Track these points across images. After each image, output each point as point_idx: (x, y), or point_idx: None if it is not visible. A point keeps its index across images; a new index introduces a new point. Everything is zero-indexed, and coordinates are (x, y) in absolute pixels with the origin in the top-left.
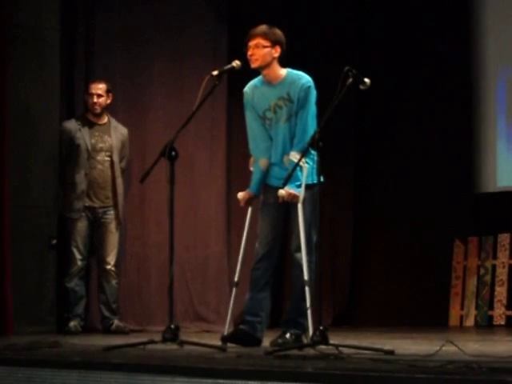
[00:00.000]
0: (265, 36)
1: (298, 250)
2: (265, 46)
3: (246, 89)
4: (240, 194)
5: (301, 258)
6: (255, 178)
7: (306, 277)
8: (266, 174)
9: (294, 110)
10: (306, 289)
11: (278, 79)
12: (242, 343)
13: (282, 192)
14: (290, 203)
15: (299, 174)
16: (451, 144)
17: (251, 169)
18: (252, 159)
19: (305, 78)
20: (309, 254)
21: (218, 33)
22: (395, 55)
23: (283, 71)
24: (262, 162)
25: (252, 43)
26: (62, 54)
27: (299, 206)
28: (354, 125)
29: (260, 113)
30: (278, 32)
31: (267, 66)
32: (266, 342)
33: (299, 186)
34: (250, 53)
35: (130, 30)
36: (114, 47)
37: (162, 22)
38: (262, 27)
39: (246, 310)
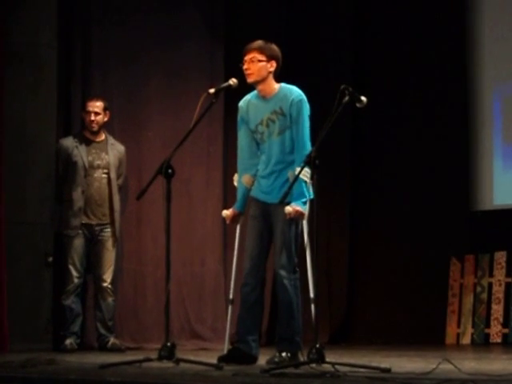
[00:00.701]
0: (260, 50)
1: (282, 267)
2: (260, 61)
3: (241, 103)
4: (224, 213)
5: (284, 277)
6: (239, 196)
7: (312, 294)
8: (249, 190)
9: (288, 124)
10: (312, 306)
11: (271, 94)
12: (238, 362)
13: (288, 209)
14: (273, 220)
15: (304, 190)
16: (447, 162)
17: (235, 184)
18: (236, 176)
19: (297, 92)
20: (292, 271)
21: (215, 49)
22: (390, 72)
23: (277, 86)
24: (246, 179)
25: (248, 57)
26: (59, 71)
27: (305, 222)
28: (349, 142)
29: (252, 127)
30: (274, 47)
31: (262, 80)
32: (262, 361)
33: (305, 203)
34: (245, 67)
35: (126, 46)
36: (110, 64)
37: (159, 38)
38: (258, 42)
39: (239, 328)
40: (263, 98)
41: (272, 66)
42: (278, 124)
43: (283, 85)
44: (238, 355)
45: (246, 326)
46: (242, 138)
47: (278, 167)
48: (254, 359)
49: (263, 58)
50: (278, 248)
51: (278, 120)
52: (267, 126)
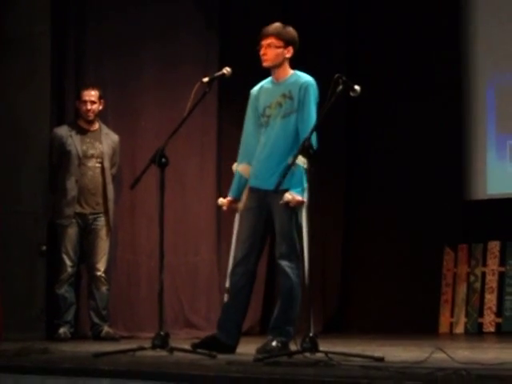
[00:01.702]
0: (278, 36)
1: (282, 256)
2: (277, 47)
3: (253, 90)
4: (220, 200)
5: (286, 265)
6: (235, 183)
7: (306, 282)
8: (246, 179)
9: (294, 108)
10: (307, 294)
11: (284, 78)
12: (212, 350)
13: (288, 196)
14: (273, 208)
15: (303, 178)
16: (441, 151)
17: (234, 172)
18: (235, 164)
19: (308, 78)
20: (294, 260)
21: (209, 40)
22: (384, 63)
23: (291, 71)
24: (243, 167)
25: (265, 42)
26: (53, 60)
27: (303, 210)
28: (344, 133)
29: (261, 110)
30: (292, 31)
31: (278, 66)
32: (252, 349)
33: (303, 191)
34: (262, 52)
35: (120, 37)
36: (104, 54)
37: (153, 29)
38: (276, 26)
39: (221, 315)
40: (275, 81)
41: (289, 51)
42: (284, 107)
43: (297, 71)
44: (212, 343)
45: (228, 313)
46: (249, 125)
47: (277, 151)
48: (230, 348)
49: (280, 44)
50: (278, 237)
51: (284, 103)
52: (274, 108)
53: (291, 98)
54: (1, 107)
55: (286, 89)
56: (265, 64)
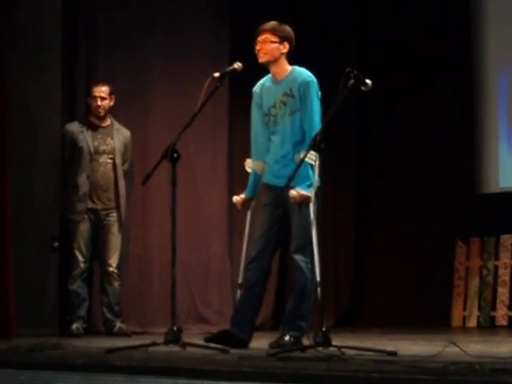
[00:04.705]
0: (273, 31)
1: (296, 251)
2: (273, 42)
3: (255, 88)
4: (235, 198)
5: (300, 260)
6: (250, 182)
7: (318, 278)
8: (260, 176)
9: (298, 106)
10: (318, 289)
11: (283, 76)
12: (225, 345)
13: (293, 193)
14: (288, 204)
15: (310, 173)
16: (453, 145)
17: (248, 170)
18: (248, 161)
19: (305, 74)
20: (308, 255)
21: (219, 34)
22: (395, 55)
23: (289, 68)
24: (256, 165)
25: (260, 38)
26: (63, 53)
27: (310, 205)
28: (355, 126)
29: (265, 110)
30: (288, 29)
31: (275, 61)
32: (265, 344)
33: (310, 186)
34: (258, 47)
35: (131, 31)
36: (115, 48)
37: (163, 23)
38: (272, 23)
39: (235, 309)
40: (276, 80)
41: (285, 47)
42: (289, 105)
43: (295, 67)
44: (225, 338)
45: (242, 308)
46: (256, 124)
47: (291, 150)
48: (243, 343)
49: (276, 40)
50: (294, 232)
51: (288, 102)
52: (279, 108)
53: (293, 96)
54: (12, 101)
55: (286, 87)
56: (261, 60)
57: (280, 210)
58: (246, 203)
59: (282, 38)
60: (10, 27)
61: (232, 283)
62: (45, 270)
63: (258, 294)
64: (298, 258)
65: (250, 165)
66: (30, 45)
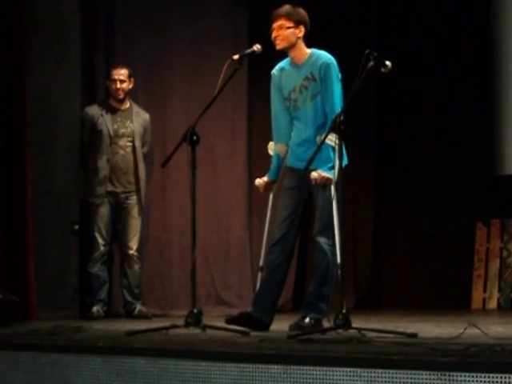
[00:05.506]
0: (288, 17)
1: (320, 233)
2: (288, 27)
3: (274, 71)
4: (257, 181)
5: (324, 243)
6: (273, 165)
7: (338, 259)
8: (283, 159)
9: (319, 89)
10: (339, 271)
11: (303, 59)
12: (246, 327)
13: (314, 175)
14: (312, 187)
15: (331, 155)
16: (473, 126)
17: (270, 153)
18: (271, 144)
19: (325, 56)
20: (331, 237)
21: (238, 17)
22: (416, 36)
23: (308, 51)
24: (280, 148)
25: (276, 25)
26: (83, 38)
27: (332, 187)
28: (374, 108)
29: (285, 94)
30: (302, 11)
31: (292, 46)
32: (285, 326)
33: (331, 168)
34: (274, 35)
35: (149, 15)
36: (134, 32)
37: (182, 6)
38: (285, 8)
39: (257, 291)
40: (295, 64)
41: (300, 31)
42: (310, 89)
43: (314, 50)
44: (246, 320)
45: (264, 290)
46: (276, 106)
47: (314, 133)
48: (264, 325)
49: (291, 25)
50: (317, 214)
51: (309, 86)
52: (300, 92)
53: (314, 79)
54: (32, 88)
55: (307, 71)
56: (278, 47)
57: (303, 192)
58: (268, 186)
59: (297, 22)
60: (28, 14)
61: (252, 266)
62: (65, 253)
63: (281, 276)
64: (322, 240)
65: (272, 148)
66: (49, 31)
